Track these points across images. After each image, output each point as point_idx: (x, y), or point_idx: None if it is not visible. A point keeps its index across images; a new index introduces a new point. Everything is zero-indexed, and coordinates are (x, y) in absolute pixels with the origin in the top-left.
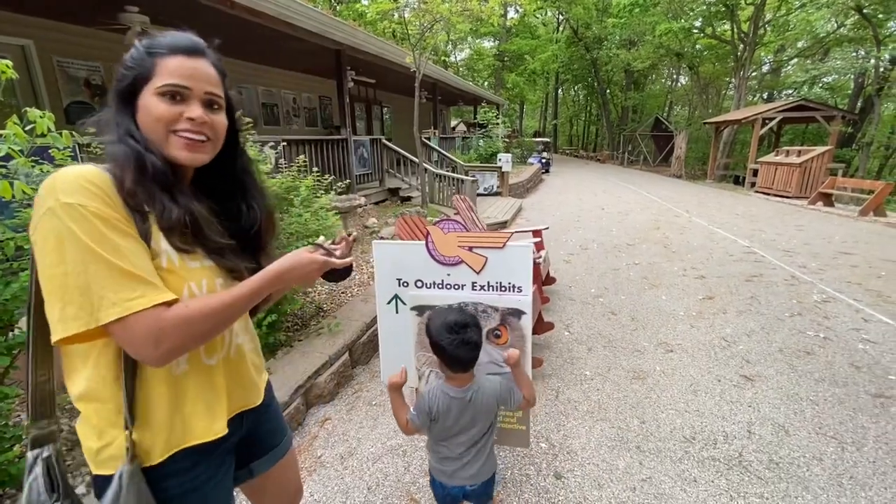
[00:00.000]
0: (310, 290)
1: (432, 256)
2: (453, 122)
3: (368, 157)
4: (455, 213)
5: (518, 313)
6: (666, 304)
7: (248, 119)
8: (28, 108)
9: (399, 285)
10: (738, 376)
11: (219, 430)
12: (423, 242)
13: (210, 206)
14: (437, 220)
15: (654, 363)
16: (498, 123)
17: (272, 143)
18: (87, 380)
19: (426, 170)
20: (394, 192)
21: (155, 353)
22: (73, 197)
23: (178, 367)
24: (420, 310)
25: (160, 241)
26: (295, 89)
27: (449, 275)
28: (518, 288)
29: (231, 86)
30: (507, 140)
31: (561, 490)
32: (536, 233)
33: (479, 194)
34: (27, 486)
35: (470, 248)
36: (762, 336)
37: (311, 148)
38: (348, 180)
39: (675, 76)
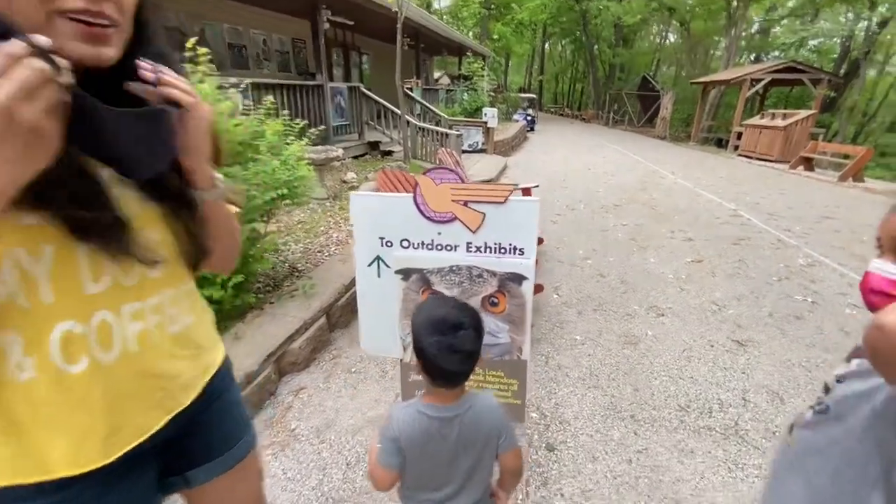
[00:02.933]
0: (283, 248)
1: (421, 212)
2: (437, 74)
3: (346, 106)
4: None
5: (519, 278)
6: (655, 267)
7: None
8: None
9: (382, 245)
10: (731, 341)
11: (80, 463)
12: (411, 195)
13: None
14: (430, 168)
15: (645, 327)
16: (483, 76)
17: (237, 85)
18: None
19: (409, 123)
20: (374, 145)
21: None
22: None
23: (20, 372)
24: (406, 273)
25: None
26: (265, 30)
27: (440, 233)
28: (520, 250)
29: (187, 18)
30: (492, 95)
31: (554, 463)
32: (526, 191)
33: (463, 151)
34: None
35: (465, 203)
36: (752, 300)
37: (283, 94)
38: (323, 126)
39: (664, 33)
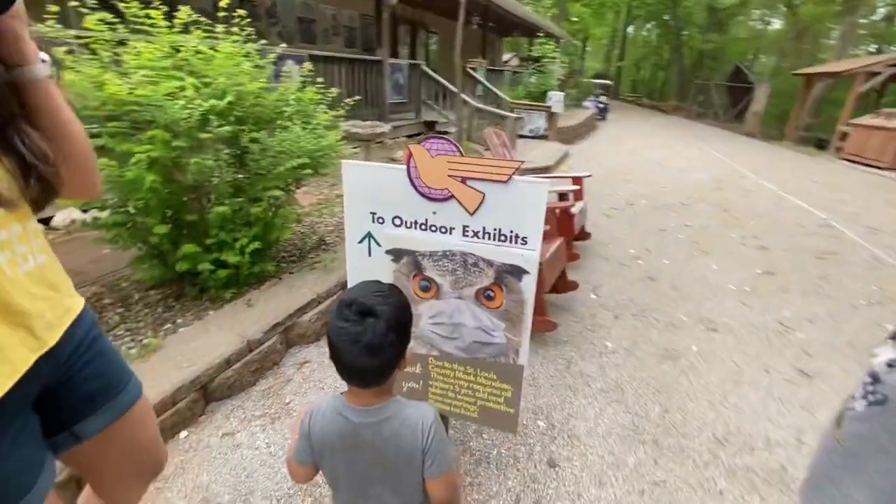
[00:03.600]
0: (318, 220)
1: (415, 186)
2: (506, 56)
3: (405, 84)
4: (486, 150)
5: (519, 272)
6: (716, 275)
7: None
8: None
9: (373, 221)
10: (794, 370)
11: None
12: (405, 167)
13: None
14: (427, 136)
15: (691, 341)
16: (555, 58)
17: (298, 58)
18: None
19: (465, 102)
20: (430, 125)
21: None
22: None
23: None
24: (396, 254)
25: None
26: (335, 5)
27: (435, 213)
28: (523, 239)
29: None
30: (561, 78)
31: (552, 481)
32: (577, 180)
33: (521, 135)
34: None
35: (463, 180)
36: (829, 324)
37: (341, 67)
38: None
39: (766, 18)
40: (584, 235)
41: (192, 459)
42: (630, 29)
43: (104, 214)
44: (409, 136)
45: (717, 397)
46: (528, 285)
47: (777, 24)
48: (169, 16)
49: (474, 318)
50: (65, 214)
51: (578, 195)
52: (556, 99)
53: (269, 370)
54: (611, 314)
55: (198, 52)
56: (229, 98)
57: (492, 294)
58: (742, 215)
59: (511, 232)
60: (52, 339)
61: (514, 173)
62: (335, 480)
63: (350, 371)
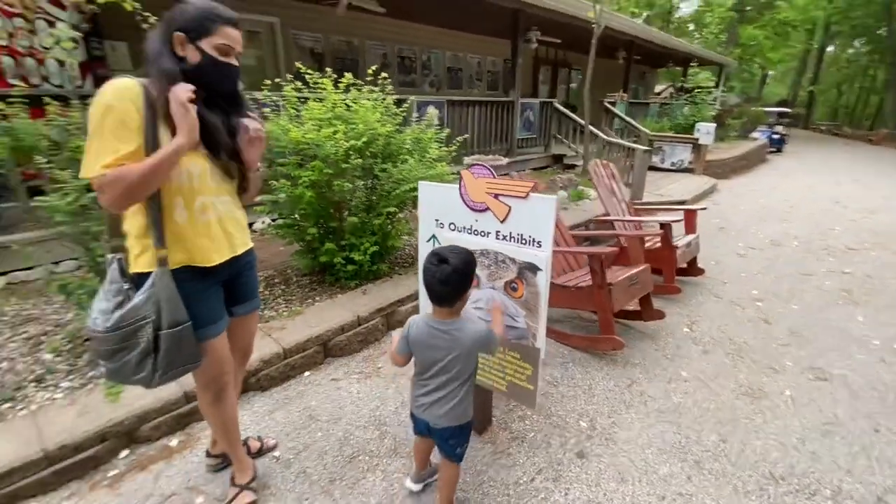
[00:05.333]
0: None
1: (464, 201)
2: (660, 87)
3: (535, 120)
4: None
5: (534, 268)
6: (859, 328)
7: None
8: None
9: (436, 225)
10: None
11: (207, 261)
12: (457, 186)
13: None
14: (471, 164)
15: (786, 386)
16: (710, 89)
17: (437, 103)
18: (132, 219)
19: (596, 136)
20: (558, 158)
21: (102, 199)
22: (112, 96)
23: (179, 218)
24: None
25: (166, 136)
26: (480, 53)
27: (477, 220)
28: (537, 242)
29: (419, 49)
30: (720, 109)
31: (574, 468)
32: (689, 212)
33: (659, 168)
34: (109, 272)
35: (496, 196)
36: None
37: (474, 109)
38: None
39: None
40: (694, 271)
41: (308, 390)
42: (832, 48)
43: (280, 221)
44: (536, 169)
45: (793, 441)
46: (542, 280)
47: None
48: (336, 82)
49: (503, 304)
50: (260, 221)
51: (690, 228)
52: (704, 130)
53: (370, 343)
54: (700, 348)
55: (347, 106)
56: (364, 139)
57: (515, 286)
58: None
59: (529, 236)
60: (238, 251)
61: (530, 192)
62: (418, 364)
63: (431, 294)
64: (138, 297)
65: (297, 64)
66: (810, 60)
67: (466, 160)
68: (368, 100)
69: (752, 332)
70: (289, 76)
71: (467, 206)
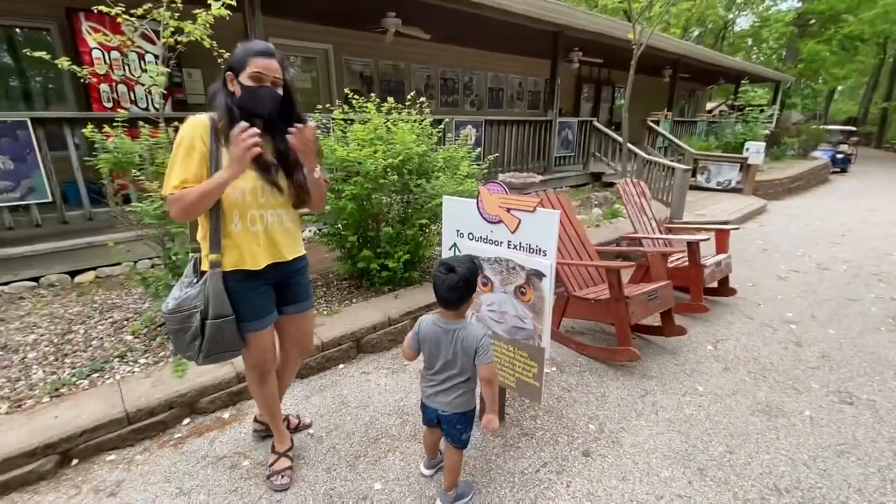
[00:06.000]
0: None
1: (480, 213)
2: (711, 104)
3: (573, 139)
4: (618, 197)
5: (539, 275)
6: None
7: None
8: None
9: (457, 235)
10: None
11: (255, 265)
12: (475, 200)
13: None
14: (486, 181)
15: (806, 407)
16: (763, 106)
17: (475, 123)
18: (201, 227)
19: (636, 155)
20: (597, 176)
21: (170, 212)
22: (186, 130)
23: (235, 228)
24: None
25: (225, 158)
26: (521, 73)
27: (492, 231)
28: (543, 251)
29: (462, 70)
30: (774, 128)
31: (578, 465)
32: (721, 232)
33: (705, 188)
34: (187, 267)
35: (508, 210)
36: None
37: (511, 128)
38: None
39: None
40: (725, 291)
41: (340, 381)
42: None
43: (325, 230)
44: (573, 187)
45: (804, 458)
46: (547, 286)
47: None
48: (379, 105)
49: (514, 307)
50: (308, 230)
51: (722, 248)
52: (754, 149)
53: (399, 342)
54: (721, 365)
55: (388, 128)
56: (400, 158)
57: (524, 290)
58: None
59: (536, 246)
60: (285, 257)
61: (537, 206)
62: (427, 359)
63: (440, 299)
64: (194, 290)
65: (346, 89)
66: (883, 75)
67: (501, 177)
68: (406, 122)
69: (779, 353)
70: (338, 101)
71: (483, 218)
